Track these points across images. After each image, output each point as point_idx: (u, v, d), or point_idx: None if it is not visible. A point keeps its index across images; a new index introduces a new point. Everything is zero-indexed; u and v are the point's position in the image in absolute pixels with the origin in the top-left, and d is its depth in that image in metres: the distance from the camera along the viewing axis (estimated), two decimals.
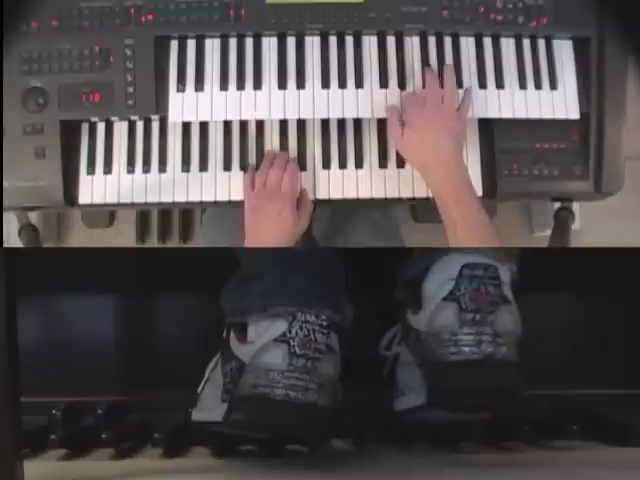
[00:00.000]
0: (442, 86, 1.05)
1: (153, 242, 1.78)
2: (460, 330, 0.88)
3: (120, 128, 1.11)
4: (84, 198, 1.09)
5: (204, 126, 1.11)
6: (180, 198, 1.09)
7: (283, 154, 1.08)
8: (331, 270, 0.95)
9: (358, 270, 1.01)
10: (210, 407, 0.93)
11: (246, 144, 1.10)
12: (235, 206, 1.09)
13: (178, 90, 1.08)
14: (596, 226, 1.72)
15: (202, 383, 0.98)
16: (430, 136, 1.01)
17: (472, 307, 0.88)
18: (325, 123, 1.11)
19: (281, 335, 0.87)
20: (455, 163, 1.01)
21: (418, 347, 0.93)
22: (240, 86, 1.08)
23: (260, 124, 1.11)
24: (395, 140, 1.06)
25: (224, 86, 1.08)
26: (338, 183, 1.10)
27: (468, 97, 1.07)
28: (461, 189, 1.00)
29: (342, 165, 1.10)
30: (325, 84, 1.08)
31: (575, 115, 1.09)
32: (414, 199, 1.09)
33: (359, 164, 1.10)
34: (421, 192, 1.08)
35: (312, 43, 1.09)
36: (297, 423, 0.87)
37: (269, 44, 1.09)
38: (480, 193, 1.10)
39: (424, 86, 1.07)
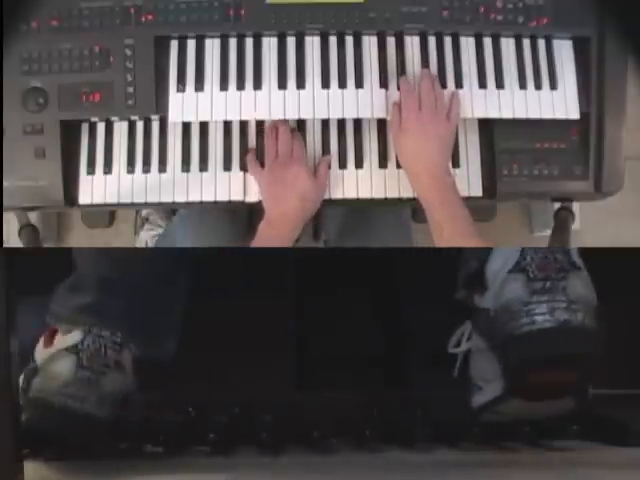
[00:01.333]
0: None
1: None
2: (531, 299, 0.85)
3: (120, 128, 1.11)
4: (84, 198, 1.09)
5: (204, 126, 1.11)
6: (180, 198, 1.09)
7: (283, 123, 1.08)
8: (162, 300, 0.95)
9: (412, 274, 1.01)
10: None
11: (246, 144, 1.10)
12: (235, 206, 1.09)
13: (178, 90, 1.08)
14: (596, 226, 1.72)
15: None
16: (421, 143, 1.04)
17: (541, 275, 0.85)
18: (325, 123, 1.11)
19: (73, 345, 0.89)
20: (442, 170, 1.04)
21: (489, 327, 0.90)
22: (240, 86, 1.08)
23: (260, 124, 1.11)
24: (392, 139, 1.08)
25: (224, 86, 1.08)
26: (338, 183, 1.10)
27: (456, 100, 1.07)
28: (447, 193, 1.02)
29: (342, 165, 1.10)
30: (325, 84, 1.08)
31: (575, 115, 1.09)
32: (414, 199, 1.09)
33: (359, 164, 1.10)
34: None
35: (312, 43, 1.09)
36: (68, 431, 0.89)
37: (269, 44, 1.09)
38: (480, 193, 1.10)
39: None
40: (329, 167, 1.09)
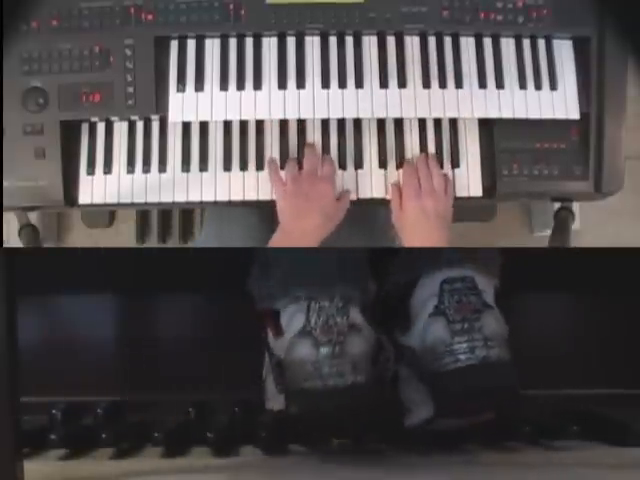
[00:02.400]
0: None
1: (153, 242, 1.78)
2: (452, 340, 0.92)
3: (120, 128, 1.11)
4: (84, 198, 1.09)
5: (204, 126, 1.11)
6: (180, 198, 1.09)
7: (312, 146, 1.10)
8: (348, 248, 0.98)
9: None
10: (272, 396, 0.97)
11: (246, 144, 1.10)
12: (235, 206, 1.09)
13: (178, 90, 1.08)
14: (596, 226, 1.72)
15: (263, 371, 1.00)
16: (422, 222, 1.07)
17: (458, 317, 0.93)
18: (325, 123, 1.11)
19: (302, 328, 0.90)
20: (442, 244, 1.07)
21: (415, 363, 0.96)
22: (240, 86, 1.08)
23: (260, 124, 1.11)
24: (394, 218, 1.10)
25: (224, 86, 1.08)
26: (338, 183, 1.10)
27: (449, 180, 1.10)
28: None
29: (342, 165, 1.10)
30: (325, 84, 1.08)
31: (575, 115, 1.09)
32: None
33: (359, 164, 1.10)
34: None
35: (312, 43, 1.09)
36: (344, 408, 0.89)
37: (269, 44, 1.09)
38: (480, 193, 1.10)
39: (424, 86, 1.08)
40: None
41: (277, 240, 1.07)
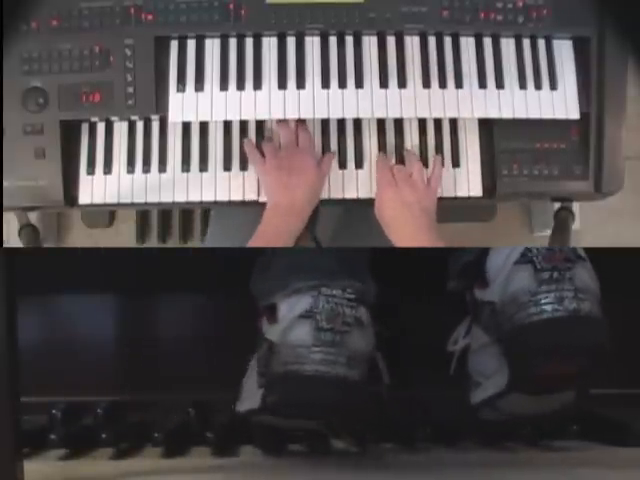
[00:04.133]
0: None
1: (153, 242, 1.78)
2: (539, 289, 0.84)
3: (120, 128, 1.11)
4: (84, 198, 1.09)
5: (204, 126, 1.11)
6: (180, 198, 1.09)
7: (286, 122, 1.09)
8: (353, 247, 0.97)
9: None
10: (249, 395, 0.93)
11: None
12: (235, 206, 1.09)
13: (178, 90, 1.08)
14: (596, 226, 1.72)
15: (247, 372, 0.98)
16: (402, 211, 1.03)
17: (548, 266, 0.85)
18: (325, 123, 1.11)
19: (307, 311, 0.87)
20: (427, 236, 1.02)
21: (493, 321, 0.89)
22: (240, 86, 1.08)
23: (260, 124, 1.11)
24: (376, 212, 1.07)
25: (224, 86, 1.08)
26: (338, 183, 1.10)
27: (437, 167, 1.08)
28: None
29: (342, 165, 1.10)
30: (325, 84, 1.08)
31: (575, 115, 1.09)
32: None
33: (359, 164, 1.10)
34: None
35: (312, 43, 1.09)
36: (328, 398, 0.85)
37: (269, 44, 1.09)
38: (480, 193, 1.10)
39: (424, 86, 1.08)
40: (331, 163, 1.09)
41: (268, 214, 1.05)
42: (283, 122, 1.09)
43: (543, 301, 0.84)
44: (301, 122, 1.09)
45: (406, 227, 1.03)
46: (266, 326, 0.92)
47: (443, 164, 1.10)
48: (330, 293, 0.87)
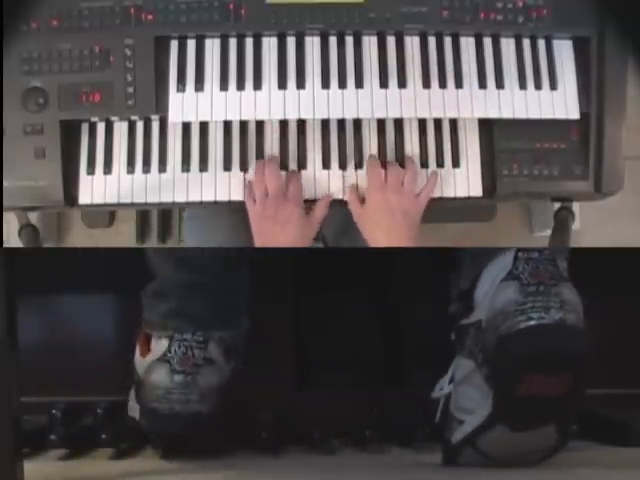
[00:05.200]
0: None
1: (153, 242, 1.78)
2: (525, 299, 0.85)
3: (120, 128, 1.11)
4: (84, 198, 1.09)
5: (204, 126, 1.10)
6: (180, 198, 1.09)
7: (272, 160, 1.08)
8: (233, 285, 1.02)
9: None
10: (132, 406, 1.02)
11: (246, 144, 1.10)
12: (235, 206, 1.09)
13: (178, 90, 1.08)
14: (596, 226, 1.72)
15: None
16: (385, 216, 1.04)
17: (534, 281, 0.86)
18: (325, 123, 1.11)
19: (162, 355, 0.97)
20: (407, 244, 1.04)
21: (479, 338, 0.89)
22: (240, 86, 1.08)
23: (260, 124, 1.11)
24: (355, 217, 1.08)
25: (224, 86, 1.08)
26: (338, 183, 1.10)
27: (432, 180, 1.07)
28: None
29: (342, 165, 1.10)
30: (325, 84, 1.08)
31: (575, 115, 1.09)
32: None
33: (359, 164, 1.10)
34: None
35: (312, 43, 1.09)
36: (185, 432, 0.97)
37: (269, 44, 1.09)
38: (480, 193, 1.10)
39: (424, 86, 1.07)
40: (328, 207, 1.08)
41: None
42: (273, 171, 1.06)
43: (529, 310, 0.85)
44: (294, 172, 1.08)
45: (385, 232, 1.04)
46: (138, 358, 1.02)
47: (443, 165, 1.10)
48: (182, 338, 0.97)
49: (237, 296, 1.03)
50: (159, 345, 0.98)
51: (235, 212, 1.15)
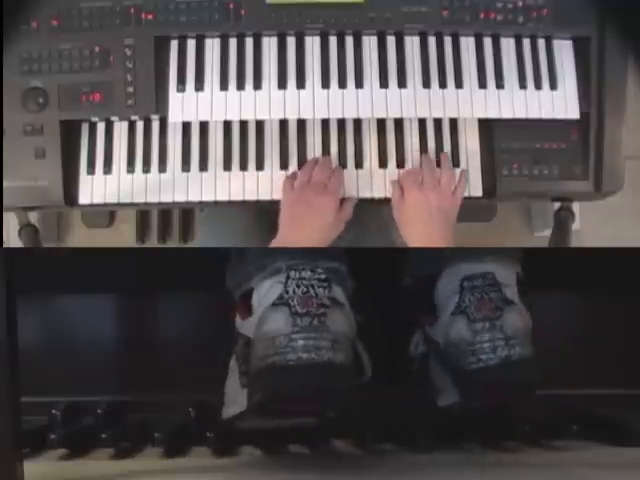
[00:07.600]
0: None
1: (153, 242, 1.78)
2: (474, 340, 0.94)
3: (120, 128, 1.11)
4: (84, 198, 1.09)
5: (204, 126, 1.11)
6: (180, 198, 1.09)
7: (327, 159, 1.09)
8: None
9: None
10: (234, 399, 0.89)
11: (246, 144, 1.10)
12: (235, 206, 1.09)
13: (178, 90, 1.08)
14: (596, 226, 1.72)
15: (227, 378, 0.94)
16: (424, 216, 1.05)
17: (479, 316, 0.94)
18: (325, 123, 1.11)
19: (278, 298, 0.83)
20: (445, 244, 1.04)
21: (440, 356, 0.98)
22: (240, 86, 1.08)
23: (260, 124, 1.11)
24: (395, 215, 1.08)
25: (224, 86, 1.08)
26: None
27: (463, 179, 1.08)
28: None
29: (342, 165, 1.10)
30: (325, 84, 1.08)
31: (575, 115, 1.09)
32: None
33: (359, 164, 1.10)
34: None
35: (312, 43, 1.09)
36: (315, 385, 0.80)
37: (269, 44, 1.09)
38: (480, 193, 1.10)
39: (424, 86, 1.08)
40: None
41: (272, 244, 1.05)
42: (326, 162, 1.07)
43: (479, 351, 0.93)
44: (337, 167, 1.08)
45: (424, 228, 1.05)
46: (239, 322, 0.88)
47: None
48: (299, 276, 0.83)
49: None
50: (269, 293, 0.83)
51: (251, 213, 1.16)
